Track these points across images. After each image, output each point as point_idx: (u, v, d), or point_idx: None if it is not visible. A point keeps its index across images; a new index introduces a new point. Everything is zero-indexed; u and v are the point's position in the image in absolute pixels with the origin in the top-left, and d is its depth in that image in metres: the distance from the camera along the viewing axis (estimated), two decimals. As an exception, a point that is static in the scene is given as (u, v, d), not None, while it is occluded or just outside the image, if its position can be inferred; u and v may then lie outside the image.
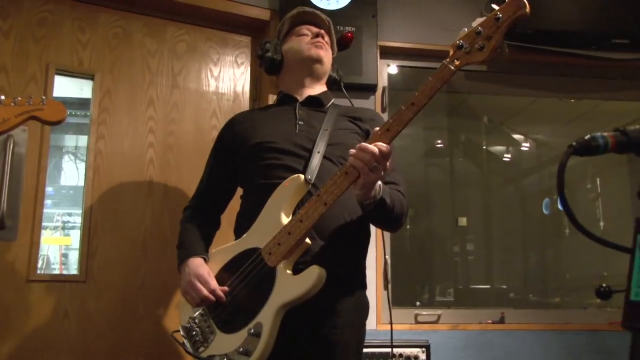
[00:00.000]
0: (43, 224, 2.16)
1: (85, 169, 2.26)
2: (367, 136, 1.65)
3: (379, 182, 1.44)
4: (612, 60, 2.75)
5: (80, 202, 2.24)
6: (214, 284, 1.54)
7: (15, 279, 2.05)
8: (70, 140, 3.41)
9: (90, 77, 2.31)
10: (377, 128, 1.42)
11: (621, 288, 0.85)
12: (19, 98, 1.46)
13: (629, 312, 0.81)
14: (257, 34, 2.62)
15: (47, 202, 2.29)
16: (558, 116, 3.48)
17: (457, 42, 1.38)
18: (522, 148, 3.91)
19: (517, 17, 1.34)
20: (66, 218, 3.25)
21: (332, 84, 1.88)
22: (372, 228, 1.72)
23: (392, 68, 2.75)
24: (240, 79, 2.59)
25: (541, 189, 3.80)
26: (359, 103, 2.26)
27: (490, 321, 2.64)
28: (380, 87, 2.65)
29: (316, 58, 1.76)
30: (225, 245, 1.63)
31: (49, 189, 2.61)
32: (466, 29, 1.38)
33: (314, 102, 1.76)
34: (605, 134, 0.91)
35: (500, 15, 1.35)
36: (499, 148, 3.84)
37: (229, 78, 2.57)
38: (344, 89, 1.92)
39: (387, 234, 2.54)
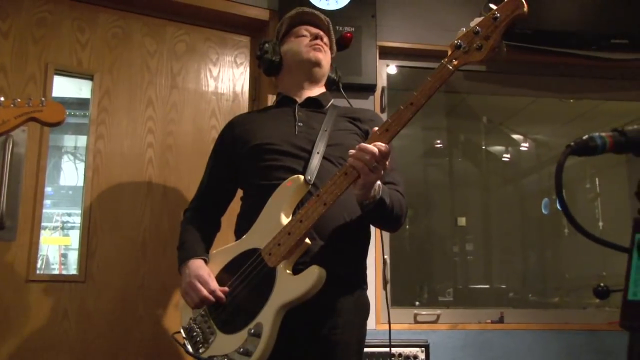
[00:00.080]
0: (42, 224, 2.16)
1: (85, 169, 2.26)
2: (366, 136, 1.65)
3: (378, 182, 1.44)
4: (612, 60, 2.75)
5: (80, 202, 2.24)
6: (213, 284, 1.54)
7: (15, 279, 2.05)
8: (70, 141, 3.41)
9: (90, 77, 2.31)
10: (376, 128, 1.42)
11: (619, 287, 0.86)
12: (19, 99, 1.46)
13: (626, 311, 0.81)
14: (256, 34, 2.62)
15: (47, 202, 2.29)
16: (557, 116, 3.49)
17: (456, 41, 1.38)
18: (522, 148, 3.92)
19: (515, 17, 1.34)
20: (65, 218, 3.25)
21: (330, 84, 1.88)
22: (372, 228, 1.72)
23: (391, 68, 2.75)
24: (240, 79, 2.60)
25: (540, 189, 3.81)
26: (358, 103, 2.26)
27: (489, 321, 2.64)
28: (380, 87, 2.65)
29: (315, 61, 1.75)
30: (226, 246, 1.63)
31: (48, 189, 2.60)
32: (464, 29, 1.38)
33: (313, 104, 1.76)
34: (603, 134, 0.91)
35: (498, 15, 1.35)
36: (498, 148, 3.85)
37: (228, 78, 2.57)
38: (342, 90, 1.92)
39: (385, 234, 2.54)
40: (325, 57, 1.78)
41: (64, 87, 2.45)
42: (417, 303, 2.90)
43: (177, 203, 2.33)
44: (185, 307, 1.62)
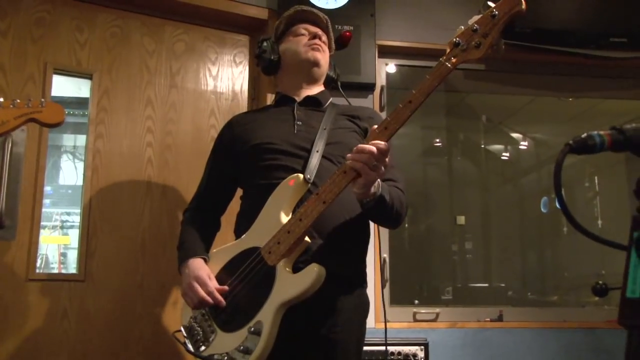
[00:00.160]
0: (42, 223, 2.17)
1: (84, 168, 2.26)
2: (365, 134, 1.65)
3: (378, 180, 1.44)
4: (611, 59, 2.75)
5: (79, 201, 2.24)
6: (212, 285, 1.54)
7: (14, 278, 2.06)
8: (69, 140, 3.41)
9: (89, 76, 2.31)
10: (376, 126, 1.42)
11: (618, 285, 0.86)
12: (18, 100, 1.46)
13: (624, 309, 0.81)
14: (255, 33, 2.62)
15: (46, 201, 2.29)
16: (556, 115, 3.49)
17: (454, 39, 1.38)
18: (521, 147, 3.92)
19: (514, 14, 1.34)
20: (65, 217, 3.26)
21: (329, 82, 1.88)
22: (372, 227, 1.72)
23: (390, 67, 2.75)
24: (239, 78, 2.60)
25: (540, 187, 3.81)
26: (357, 102, 2.26)
27: (488, 319, 2.65)
28: (379, 86, 2.66)
29: (313, 61, 1.75)
30: (226, 245, 1.64)
31: (47, 189, 2.61)
32: (463, 27, 1.38)
33: (312, 102, 1.77)
34: (601, 132, 0.91)
35: (497, 13, 1.35)
36: (497, 147, 3.85)
37: (227, 77, 2.57)
38: (340, 88, 1.92)
39: (384, 233, 2.55)
40: (323, 57, 1.78)
41: (63, 86, 2.45)
42: (416, 301, 2.90)
43: (176, 202, 2.33)
44: (186, 306, 1.63)
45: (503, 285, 3.52)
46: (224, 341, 1.49)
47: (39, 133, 2.15)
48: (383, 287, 2.47)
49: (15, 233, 2.02)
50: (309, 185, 1.54)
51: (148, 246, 2.28)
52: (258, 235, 1.53)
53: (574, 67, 2.89)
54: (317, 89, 1.80)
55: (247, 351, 1.43)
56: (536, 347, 2.53)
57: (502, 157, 3.87)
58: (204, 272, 1.58)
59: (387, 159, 1.39)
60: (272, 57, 1.79)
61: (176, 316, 1.68)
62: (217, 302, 1.53)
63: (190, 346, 1.56)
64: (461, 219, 3.49)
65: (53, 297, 2.10)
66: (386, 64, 2.74)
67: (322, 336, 1.53)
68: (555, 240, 3.68)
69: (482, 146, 3.72)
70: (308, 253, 1.50)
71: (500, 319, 2.65)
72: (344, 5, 2.53)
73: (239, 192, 1.81)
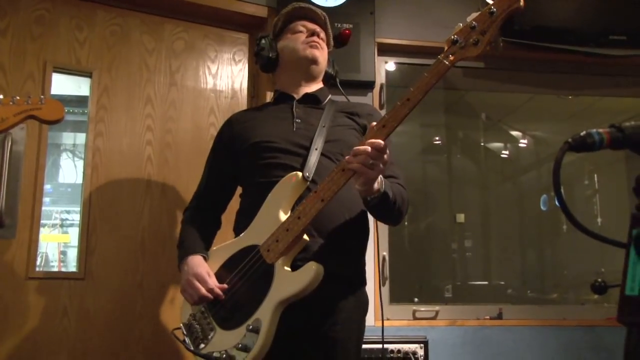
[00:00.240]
0: (41, 221, 2.17)
1: (84, 166, 2.26)
2: (364, 131, 1.66)
3: (380, 176, 1.45)
4: (610, 56, 2.75)
5: (79, 199, 2.24)
6: (212, 282, 1.55)
7: (14, 276, 2.06)
8: (68, 138, 3.41)
9: (88, 75, 2.31)
10: (374, 123, 1.42)
11: (617, 283, 0.86)
12: (18, 97, 1.47)
13: (624, 306, 0.81)
14: (254, 31, 2.62)
15: (46, 199, 2.29)
16: (556, 113, 3.48)
17: (452, 37, 1.39)
18: (520, 145, 3.91)
19: (512, 11, 1.34)
20: (64, 215, 3.26)
21: (327, 79, 1.87)
22: (371, 225, 1.72)
23: (389, 65, 2.75)
24: (238, 76, 2.60)
25: (539, 185, 3.81)
26: (356, 100, 2.25)
27: (488, 317, 2.65)
28: (378, 84, 2.66)
29: (311, 59, 1.75)
30: (225, 243, 1.64)
31: (47, 187, 2.61)
32: (461, 24, 1.39)
33: (311, 100, 1.77)
34: (600, 130, 0.91)
35: (495, 10, 1.35)
36: (496, 145, 3.84)
37: (227, 75, 2.57)
38: (339, 85, 1.91)
39: (383, 231, 2.55)
40: (322, 54, 1.78)
41: (63, 84, 2.45)
42: (416, 299, 2.90)
43: (176, 200, 2.33)
44: (185, 304, 1.63)
45: (503, 283, 3.51)
46: (223, 339, 1.49)
47: (38, 131, 2.15)
48: (382, 285, 2.47)
49: (15, 231, 2.02)
50: (308, 183, 1.54)
51: (148, 244, 2.28)
52: (257, 233, 1.53)
53: (574, 65, 2.89)
54: (315, 86, 1.80)
55: (245, 349, 1.43)
56: (536, 345, 2.53)
57: (502, 155, 3.86)
58: (203, 269, 1.58)
59: (385, 156, 1.40)
60: (270, 55, 1.79)
61: (176, 314, 1.68)
62: (218, 297, 1.53)
63: (189, 344, 1.56)
64: (461, 217, 3.49)
65: (53, 295, 2.10)
66: (385, 62, 2.74)
67: (321, 334, 1.53)
68: (555, 238, 3.67)
69: (482, 144, 3.72)
70: (307, 252, 1.50)
71: (499, 316, 2.66)
72: (343, 3, 2.53)
73: (239, 190, 1.81)
